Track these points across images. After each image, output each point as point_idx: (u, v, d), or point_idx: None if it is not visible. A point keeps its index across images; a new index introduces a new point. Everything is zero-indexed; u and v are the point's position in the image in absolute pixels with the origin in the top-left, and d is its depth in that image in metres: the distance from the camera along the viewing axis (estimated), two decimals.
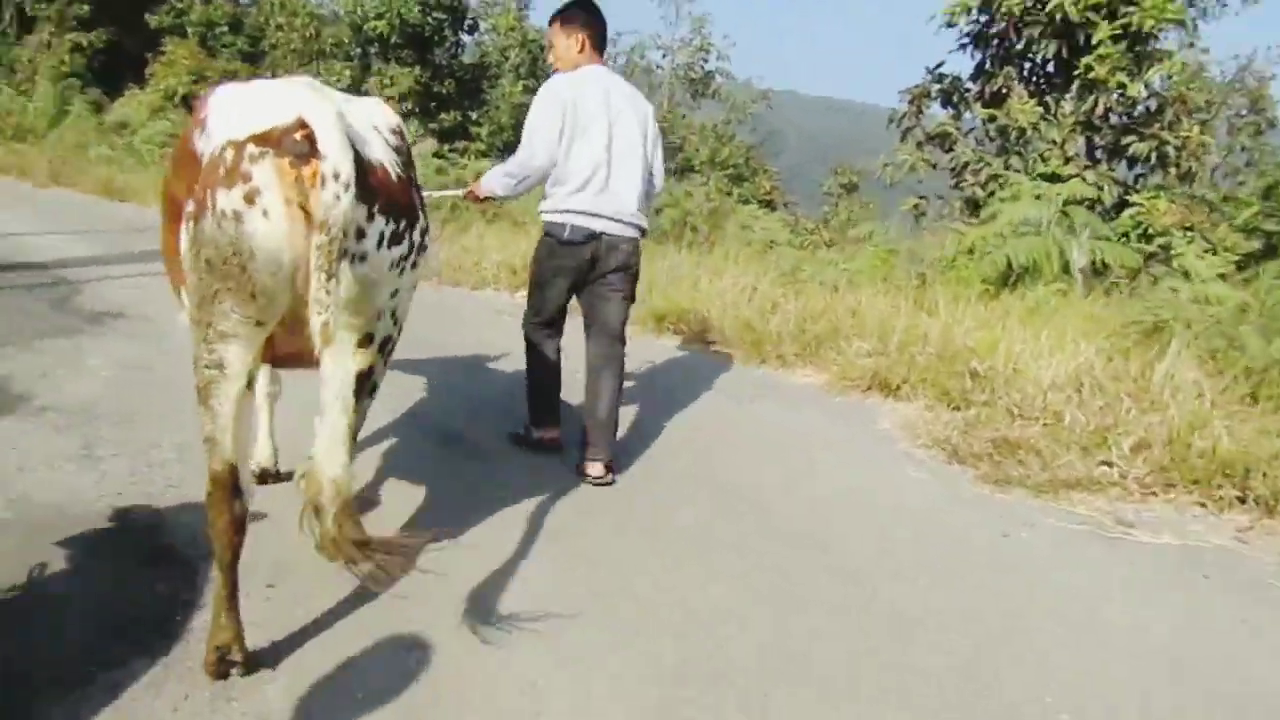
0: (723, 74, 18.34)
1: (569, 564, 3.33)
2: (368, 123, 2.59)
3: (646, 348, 6.71)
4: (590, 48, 4.20)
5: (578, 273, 4.17)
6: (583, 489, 4.08)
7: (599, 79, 4.15)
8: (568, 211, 4.09)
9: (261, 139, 2.31)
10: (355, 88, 17.06)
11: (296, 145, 2.29)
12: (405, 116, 17.10)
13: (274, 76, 19.73)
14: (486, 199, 4.40)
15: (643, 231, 4.25)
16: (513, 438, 4.53)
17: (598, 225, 4.08)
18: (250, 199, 2.27)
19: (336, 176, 2.23)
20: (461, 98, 17.58)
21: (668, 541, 3.60)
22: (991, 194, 8.97)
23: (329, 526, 2.44)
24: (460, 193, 4.67)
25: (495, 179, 4.26)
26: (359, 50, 17.33)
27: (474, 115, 17.84)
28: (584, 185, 4.06)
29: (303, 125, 2.29)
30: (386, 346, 2.70)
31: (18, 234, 8.76)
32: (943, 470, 4.62)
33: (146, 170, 13.36)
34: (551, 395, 4.45)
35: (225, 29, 21.05)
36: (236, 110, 2.45)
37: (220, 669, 2.44)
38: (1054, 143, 8.90)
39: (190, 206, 2.38)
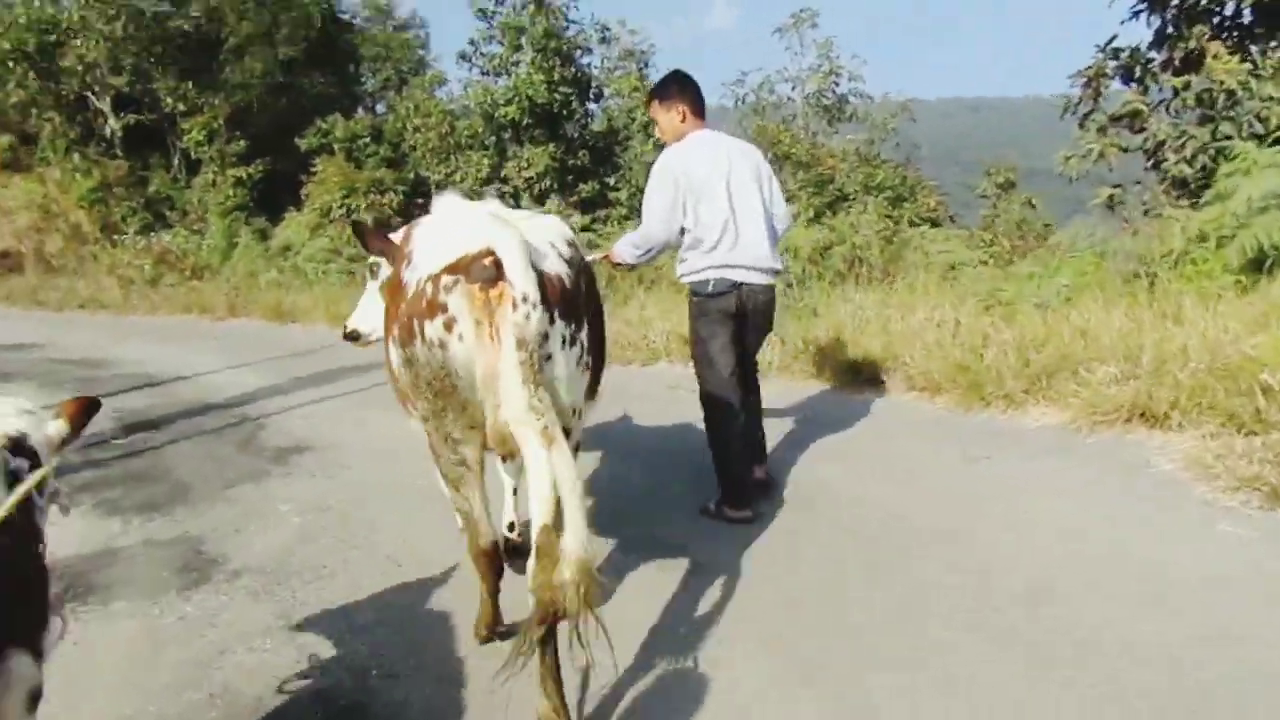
0: (857, 95, 17.53)
1: (786, 635, 2.87)
2: (545, 239, 2.83)
3: (845, 405, 6.04)
4: (690, 115, 4.38)
5: (731, 324, 4.29)
6: (781, 559, 3.72)
7: (705, 142, 4.33)
8: (707, 268, 4.24)
9: (453, 269, 2.62)
10: (495, 174, 17.22)
11: (484, 271, 2.53)
12: (545, 194, 17.12)
13: (416, 178, 20.35)
14: (619, 264, 4.53)
15: (776, 273, 4.41)
16: (703, 511, 4.41)
17: (737, 275, 4.23)
18: (449, 326, 2.61)
19: (525, 299, 2.51)
20: (596, 166, 17.45)
21: (932, 651, 2.92)
22: (1204, 170, 7.87)
23: (573, 596, 2.43)
24: (597, 256, 4.67)
25: (624, 248, 4.43)
26: (493, 138, 17.48)
27: (611, 180, 17.68)
28: (717, 244, 4.21)
29: (490, 254, 2.54)
30: (574, 438, 2.87)
31: (202, 372, 8.92)
32: (1267, 521, 3.71)
33: (311, 289, 13.73)
34: (741, 465, 4.38)
35: (368, 140, 21.79)
36: (434, 243, 2.80)
37: None
38: (1271, 99, 7.73)
39: (400, 332, 2.75)
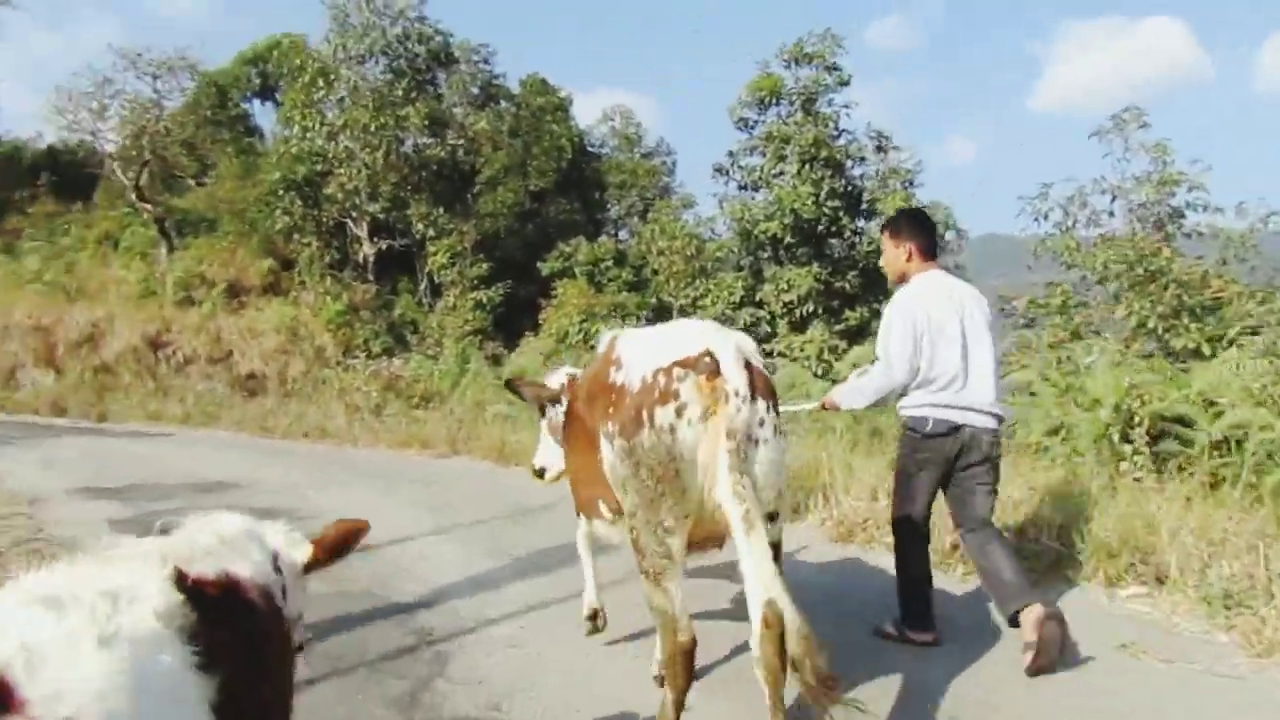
0: (1199, 206, 13.96)
1: None
2: (747, 344, 3.11)
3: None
4: (918, 255, 4.30)
5: (942, 466, 4.17)
6: None
7: (939, 283, 4.26)
8: (928, 405, 4.12)
9: (683, 364, 2.89)
10: (748, 297, 14.87)
11: (708, 366, 2.82)
12: (806, 319, 14.58)
13: (659, 303, 18.47)
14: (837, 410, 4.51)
15: (1000, 419, 4.20)
16: (880, 633, 4.38)
17: (959, 418, 4.11)
18: (680, 412, 2.84)
19: (737, 393, 2.79)
20: (866, 291, 14.83)
21: None
22: None
23: (809, 677, 2.55)
24: (813, 406, 4.73)
25: (852, 395, 4.35)
26: (749, 258, 15.26)
27: (882, 308, 14.98)
28: (946, 385, 4.11)
29: (709, 353, 2.85)
30: (782, 518, 3.14)
31: (403, 538, 6.78)
32: None
33: (535, 428, 11.63)
34: (926, 595, 4.32)
35: (610, 263, 20.32)
36: (652, 347, 3.06)
37: None
38: None
39: (626, 423, 2.92)
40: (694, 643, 2.92)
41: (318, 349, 18.37)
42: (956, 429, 4.09)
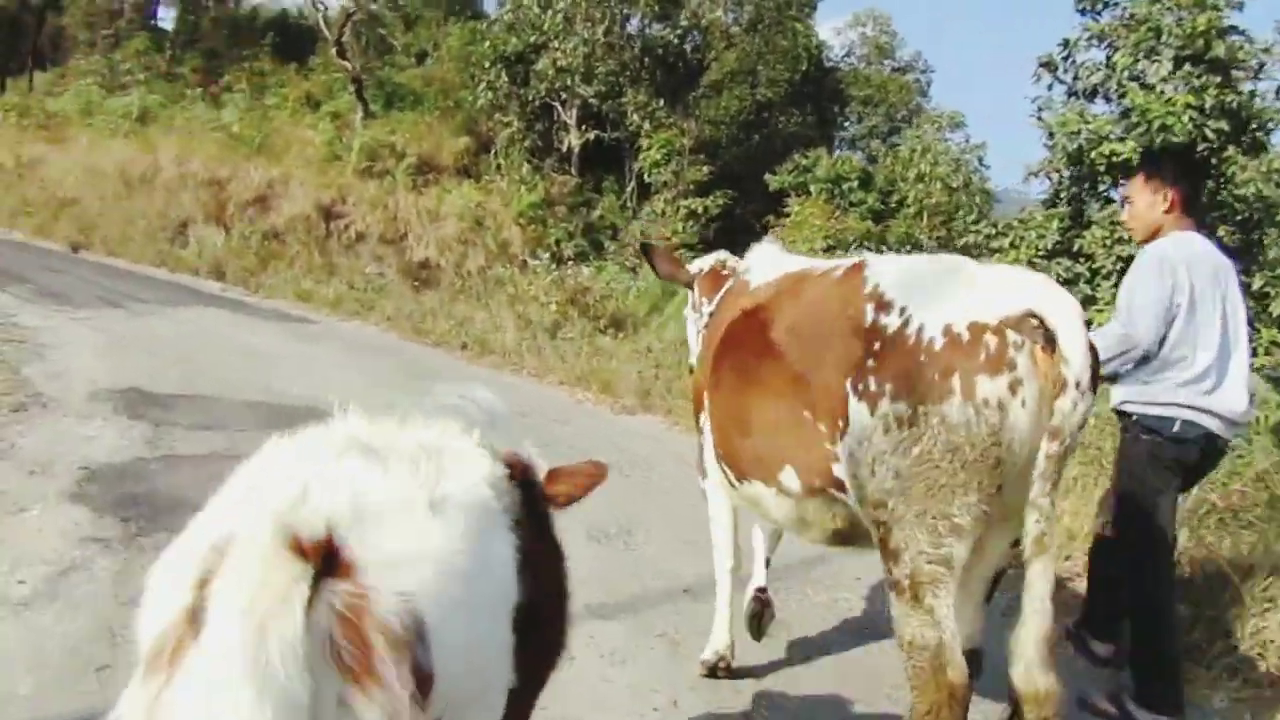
0: None
1: None
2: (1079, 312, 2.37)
3: None
4: (1180, 206, 3.42)
5: (1183, 477, 3.42)
6: None
7: (1202, 246, 3.44)
8: (1176, 405, 3.27)
9: (1015, 324, 2.18)
10: (1064, 245, 10.37)
11: (1040, 334, 2.15)
12: None
13: (908, 238, 14.27)
14: None
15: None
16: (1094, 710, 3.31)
17: (1213, 425, 3.28)
18: (1014, 389, 2.18)
19: (1078, 384, 2.13)
20: (1242, 252, 10.09)
21: None
22: None
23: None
24: None
25: None
26: (1071, 190, 10.62)
27: (1253, 274, 10.17)
28: (1200, 377, 3.27)
29: (1034, 316, 2.16)
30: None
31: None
32: None
33: None
34: (1176, 668, 3.30)
35: (855, 184, 16.05)
36: (948, 291, 2.29)
37: None
38: None
39: (879, 385, 2.26)
40: (969, 686, 2.22)
41: (502, 243, 15.24)
42: (1210, 438, 3.28)
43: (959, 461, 2.17)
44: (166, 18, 29.35)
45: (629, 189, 17.96)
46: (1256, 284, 9.19)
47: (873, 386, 2.29)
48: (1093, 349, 2.26)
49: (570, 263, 13.65)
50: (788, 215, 14.41)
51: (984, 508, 2.20)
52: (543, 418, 6.87)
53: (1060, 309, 2.18)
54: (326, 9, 21.66)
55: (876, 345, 2.32)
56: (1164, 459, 3.31)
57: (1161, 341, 3.28)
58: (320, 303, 12.38)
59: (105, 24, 25.54)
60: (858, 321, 2.38)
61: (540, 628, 1.48)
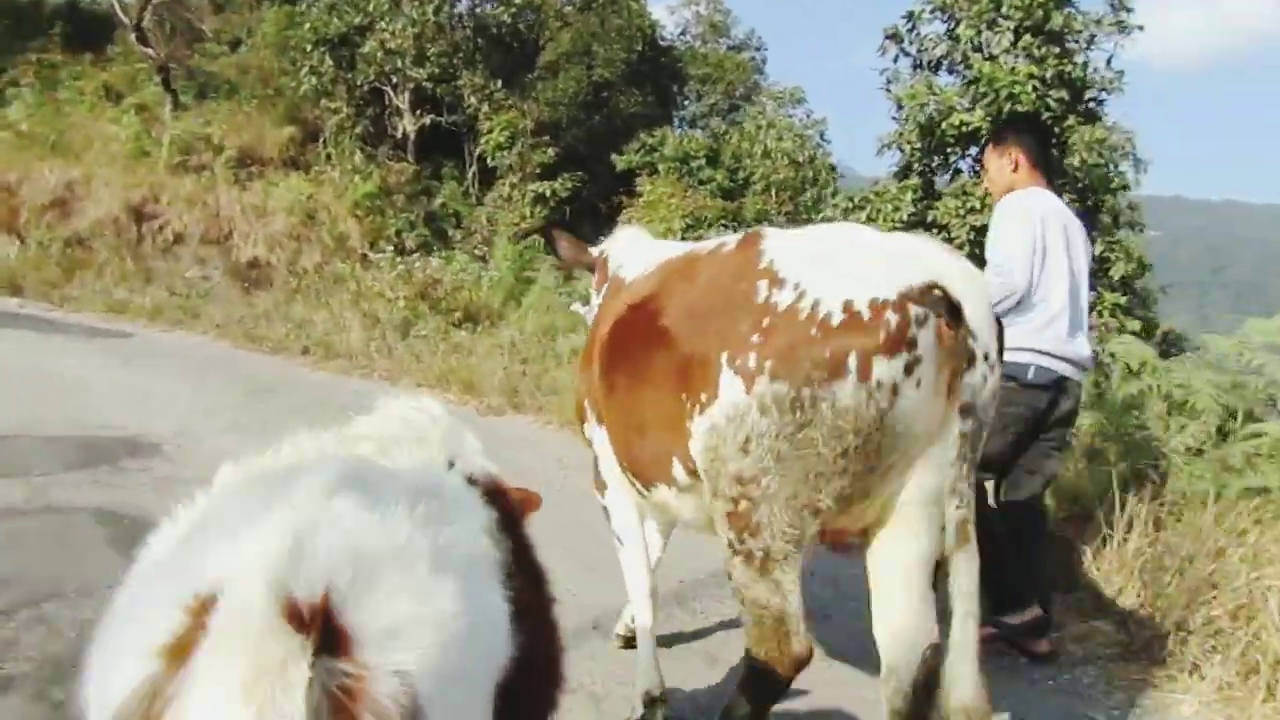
0: None
1: None
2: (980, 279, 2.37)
3: None
4: (1027, 165, 3.61)
5: (1031, 424, 3.45)
6: None
7: (1050, 202, 3.56)
8: (1030, 350, 3.36)
9: (916, 298, 2.01)
10: (919, 217, 10.47)
11: (945, 307, 2.00)
12: None
13: (759, 216, 14.33)
14: None
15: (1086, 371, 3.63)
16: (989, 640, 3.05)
17: (1064, 369, 3.43)
18: (910, 369, 2.02)
19: (986, 356, 2.10)
20: (1085, 219, 10.49)
21: None
22: None
23: None
24: None
25: None
26: (926, 161, 10.69)
27: (1108, 246, 10.54)
28: (1051, 321, 3.40)
29: (938, 288, 2.02)
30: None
31: None
32: None
33: None
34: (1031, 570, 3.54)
35: (702, 161, 15.89)
36: (844, 263, 2.15)
37: None
38: None
39: (758, 362, 2.08)
40: (810, 653, 2.19)
41: (339, 237, 14.22)
42: (1059, 381, 3.40)
43: (840, 445, 2.03)
44: None
45: (470, 174, 17.18)
46: (1098, 250, 9.52)
47: (751, 364, 2.10)
48: (998, 319, 2.18)
49: (415, 254, 12.84)
50: (638, 196, 14.07)
51: (858, 491, 2.11)
52: None
53: (963, 278, 2.09)
54: None
55: (765, 321, 2.13)
56: (1014, 402, 3.33)
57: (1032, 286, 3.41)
58: (137, 314, 11.13)
59: None
60: (748, 297, 2.19)
61: (531, 684, 1.34)
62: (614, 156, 16.17)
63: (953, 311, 2.01)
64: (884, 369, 2.00)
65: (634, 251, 3.15)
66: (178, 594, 0.97)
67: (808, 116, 17.18)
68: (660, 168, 15.63)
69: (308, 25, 17.09)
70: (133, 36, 18.03)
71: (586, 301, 3.62)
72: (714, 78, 22.89)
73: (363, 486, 1.11)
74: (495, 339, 8.95)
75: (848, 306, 2.04)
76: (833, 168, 16.31)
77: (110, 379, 7.39)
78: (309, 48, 16.88)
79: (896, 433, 2.04)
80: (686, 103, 23.53)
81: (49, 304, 12.07)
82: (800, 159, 15.66)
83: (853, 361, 2.01)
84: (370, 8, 16.60)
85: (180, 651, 0.93)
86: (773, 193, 15.72)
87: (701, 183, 15.61)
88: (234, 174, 15.34)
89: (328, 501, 1.05)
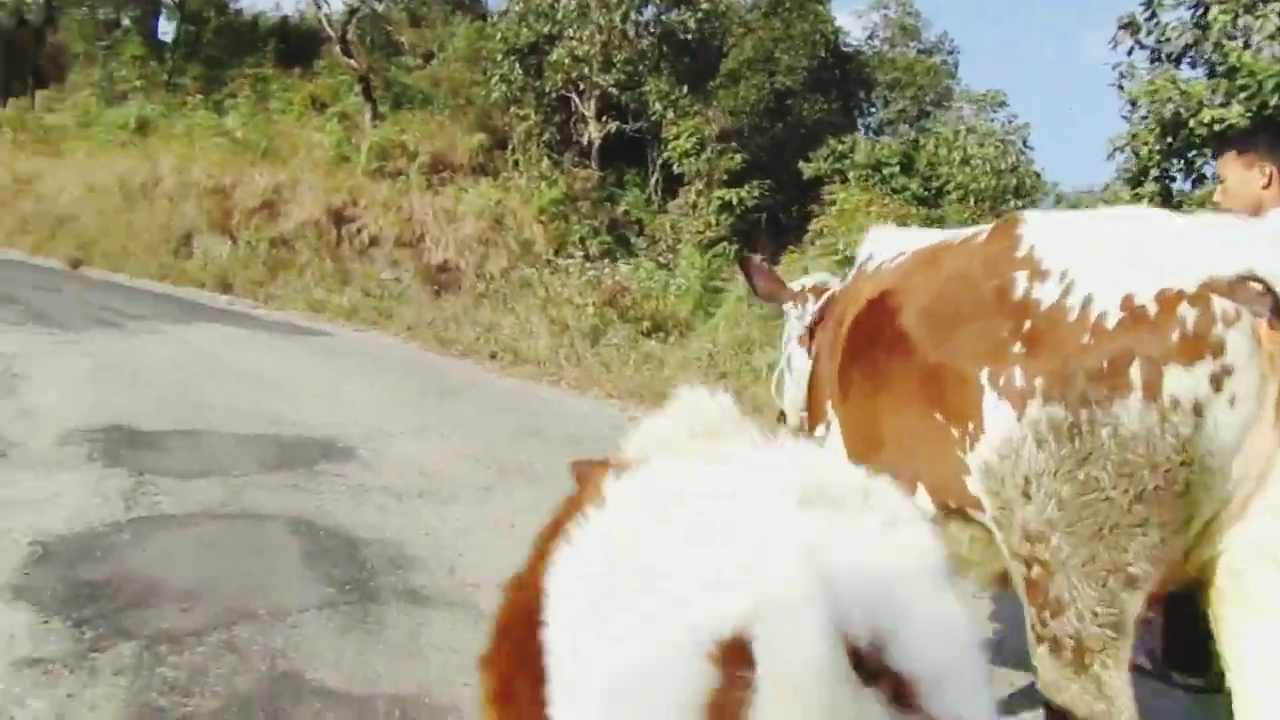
0: None
1: None
2: None
3: None
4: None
5: None
6: None
7: None
8: None
9: (1224, 290, 1.55)
10: None
11: (1266, 301, 1.51)
12: None
13: (971, 224, 13.56)
14: None
15: None
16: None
17: None
18: (1218, 381, 1.56)
19: None
20: None
21: None
22: None
23: None
24: None
25: None
26: (1164, 164, 9.48)
27: None
28: None
29: (1257, 279, 1.52)
30: None
31: None
32: None
33: None
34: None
35: (896, 169, 14.94)
36: (1126, 250, 1.70)
37: None
38: None
39: (1026, 377, 1.70)
40: None
41: (524, 242, 14.19)
42: None
43: (1133, 485, 1.61)
44: (167, 31, 28.47)
45: (654, 181, 16.90)
46: None
47: (1019, 382, 1.73)
48: None
49: (602, 261, 12.59)
50: (831, 204, 13.30)
51: (1171, 549, 1.66)
52: (599, 443, 5.79)
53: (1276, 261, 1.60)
54: (329, 7, 20.74)
55: (1027, 325, 1.75)
56: None
57: None
58: (334, 313, 11.35)
59: (103, 35, 24.64)
60: (1004, 293, 1.81)
61: None
62: (801, 164, 15.45)
63: (1278, 310, 1.53)
64: (1179, 382, 1.59)
65: (886, 242, 2.68)
66: (684, 638, 0.86)
67: (1009, 122, 15.89)
68: (850, 175, 14.78)
69: (499, 35, 17.31)
70: (337, 49, 18.87)
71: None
72: (903, 83, 21.77)
73: (821, 492, 0.98)
74: (686, 350, 8.45)
75: (1127, 301, 1.64)
76: (1038, 175, 15.00)
77: (307, 377, 7.37)
78: (500, 57, 17.09)
79: (1210, 469, 1.61)
80: (872, 109, 22.53)
81: (254, 301, 12.56)
82: (1002, 166, 14.45)
83: (1136, 373, 1.61)
84: (559, 16, 16.61)
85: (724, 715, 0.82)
86: (971, 201, 14.56)
87: (895, 191, 14.65)
88: (426, 179, 15.70)
89: (798, 511, 0.93)
